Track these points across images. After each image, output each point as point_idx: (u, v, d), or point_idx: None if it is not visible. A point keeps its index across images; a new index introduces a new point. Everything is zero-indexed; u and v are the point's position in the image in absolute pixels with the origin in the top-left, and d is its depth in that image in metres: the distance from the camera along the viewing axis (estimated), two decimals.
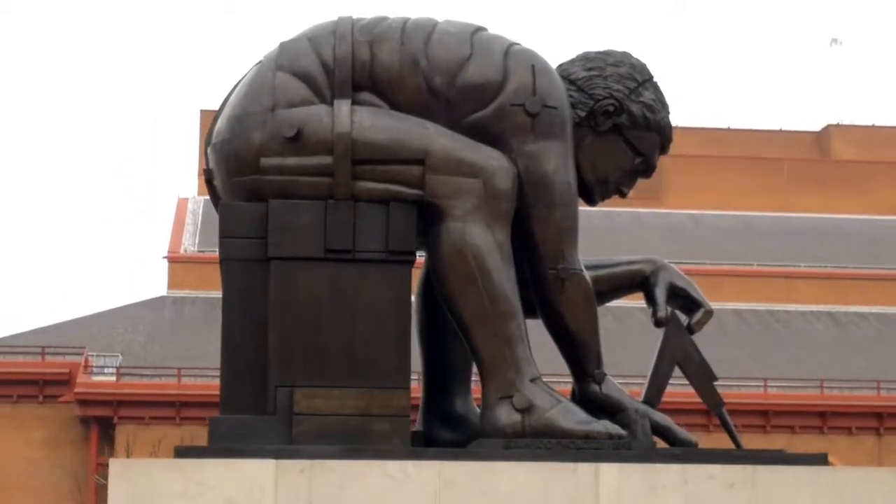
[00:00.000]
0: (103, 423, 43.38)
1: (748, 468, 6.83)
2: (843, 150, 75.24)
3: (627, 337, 41.88)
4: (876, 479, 6.87)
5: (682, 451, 7.12)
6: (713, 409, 7.80)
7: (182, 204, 56.12)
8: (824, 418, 45.74)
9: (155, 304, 50.03)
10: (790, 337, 50.90)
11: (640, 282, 7.89)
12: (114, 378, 43.76)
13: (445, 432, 7.74)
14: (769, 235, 59.36)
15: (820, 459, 7.05)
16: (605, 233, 57.93)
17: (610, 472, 6.74)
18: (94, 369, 44.53)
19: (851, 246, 59.52)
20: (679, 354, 7.76)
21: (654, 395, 7.73)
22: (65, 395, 43.77)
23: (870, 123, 79.51)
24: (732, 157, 72.39)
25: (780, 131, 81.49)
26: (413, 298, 7.85)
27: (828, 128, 77.81)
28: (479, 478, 6.66)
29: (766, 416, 45.32)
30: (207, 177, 7.62)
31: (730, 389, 44.81)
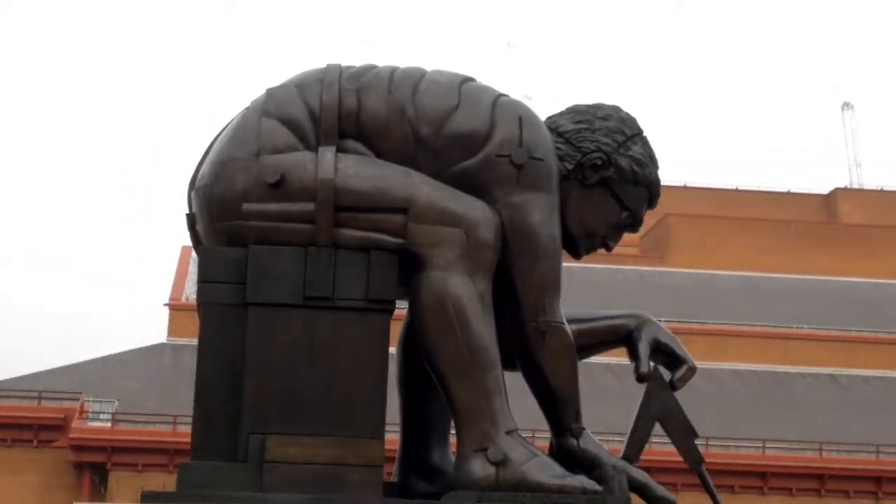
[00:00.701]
0: (97, 469, 43.25)
1: None
2: (851, 213, 75.36)
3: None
4: None
5: None
6: (693, 466, 7.72)
7: (185, 252, 56.18)
8: (822, 481, 45.54)
9: (154, 351, 49.99)
10: (790, 398, 50.73)
11: (623, 336, 7.83)
12: (109, 424, 43.60)
13: (422, 484, 7.66)
14: (773, 296, 59.34)
15: None
16: (608, 289, 57.92)
17: None
18: (90, 415, 44.44)
19: (857, 308, 59.49)
20: (660, 411, 7.68)
21: (633, 451, 7.66)
22: (59, 440, 43.62)
23: (879, 187, 79.62)
24: (740, 217, 72.52)
25: (789, 193, 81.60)
26: (393, 350, 7.79)
27: (836, 191, 78.03)
28: None
29: (764, 477, 45.13)
30: (190, 221, 7.58)
31: (727, 449, 44.71)
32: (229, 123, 7.55)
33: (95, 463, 43.28)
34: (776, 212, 76.06)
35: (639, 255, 71.55)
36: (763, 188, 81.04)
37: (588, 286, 57.79)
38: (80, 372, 47.55)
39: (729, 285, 60.15)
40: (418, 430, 7.81)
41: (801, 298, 59.43)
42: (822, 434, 46.81)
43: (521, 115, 7.44)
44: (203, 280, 7.17)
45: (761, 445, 45.69)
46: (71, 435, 43.20)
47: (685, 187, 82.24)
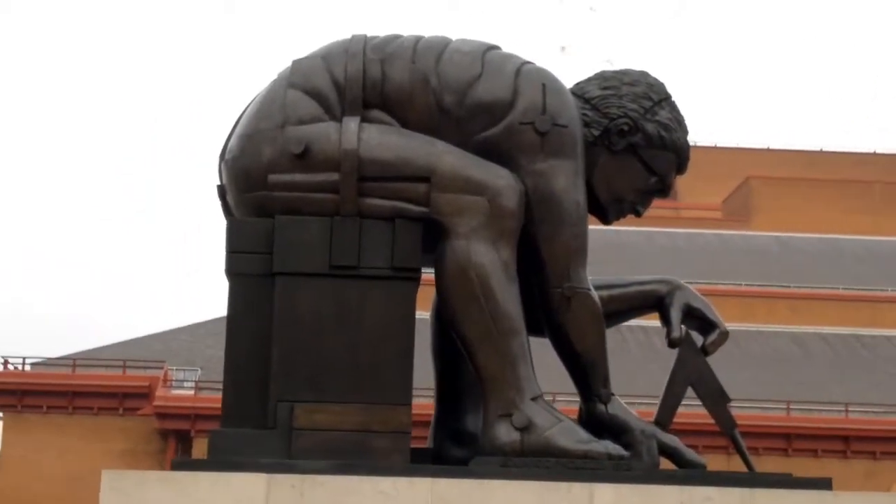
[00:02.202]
0: (181, 436, 43.81)
1: (746, 491, 6.76)
2: None
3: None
4: None
5: (680, 473, 7.06)
6: (726, 430, 7.72)
7: None
8: None
9: None
10: (874, 362, 50.22)
11: (654, 302, 7.83)
12: (192, 392, 44.17)
13: (455, 449, 7.72)
14: (857, 259, 58.67)
15: (823, 484, 6.95)
16: (689, 254, 57.59)
17: (605, 493, 6.70)
18: (174, 383, 45.00)
19: None
20: (693, 376, 7.68)
21: (666, 416, 7.66)
22: (144, 408, 44.25)
23: None
24: (823, 179, 71.78)
25: (874, 154, 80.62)
26: (428, 315, 7.87)
27: None
28: (471, 495, 6.65)
29: (847, 441, 44.73)
30: (220, 192, 7.68)
31: (811, 413, 44.39)
32: (257, 95, 7.64)
33: (180, 430, 43.85)
34: (861, 173, 75.18)
35: (721, 218, 71.08)
36: (848, 149, 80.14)
37: (668, 251, 57.55)
38: (164, 340, 48.15)
39: (812, 248, 59.53)
40: (452, 396, 7.87)
41: (886, 260, 58.71)
42: None
43: (545, 83, 7.45)
44: (231, 251, 7.27)
45: (845, 409, 45.31)
46: (155, 403, 43.78)
47: (768, 150, 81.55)
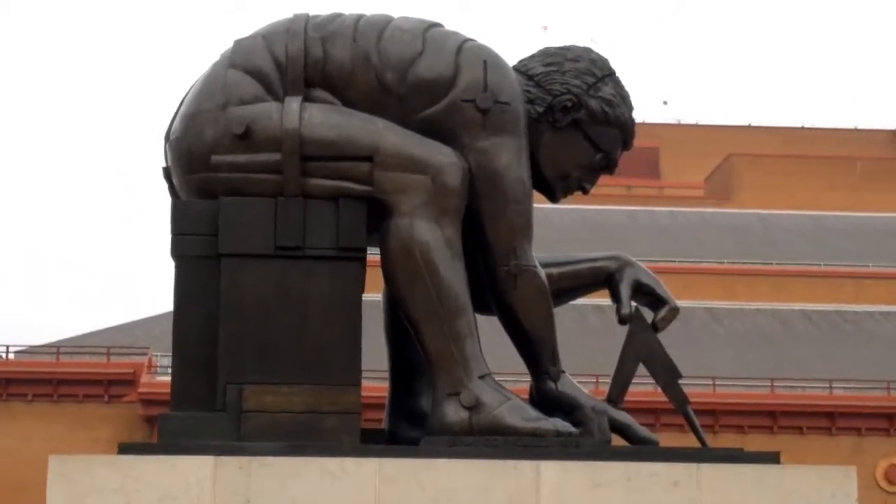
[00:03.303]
0: None
1: (692, 466, 6.75)
2: None
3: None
4: (822, 478, 6.76)
5: (627, 449, 7.05)
6: (679, 406, 7.70)
7: None
8: (892, 420, 45.19)
9: None
10: (858, 337, 50.34)
11: (604, 278, 7.81)
12: None
13: (409, 430, 7.70)
14: (839, 235, 58.80)
15: (770, 458, 6.95)
16: (672, 232, 57.66)
17: (551, 470, 6.68)
18: (159, 369, 45.00)
19: None
20: (643, 352, 7.66)
21: (617, 392, 7.64)
22: (129, 394, 44.26)
23: None
24: (805, 155, 71.93)
25: (855, 130, 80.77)
26: (380, 297, 7.85)
27: None
28: (419, 475, 6.64)
29: (832, 417, 44.85)
30: (165, 174, 7.65)
31: (794, 390, 44.49)
32: (200, 76, 7.60)
33: None
34: (843, 149, 75.33)
35: (703, 196, 71.14)
36: (830, 125, 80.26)
37: (651, 229, 57.59)
38: (148, 327, 48.11)
39: (794, 225, 59.63)
40: (406, 376, 7.86)
41: (868, 236, 58.83)
42: (890, 373, 46.46)
43: (486, 59, 7.43)
44: (176, 233, 7.24)
45: (829, 386, 45.43)
46: (140, 389, 43.81)
47: (749, 126, 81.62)
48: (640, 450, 7.08)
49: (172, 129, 7.49)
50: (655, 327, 7.69)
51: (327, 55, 7.34)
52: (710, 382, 44.68)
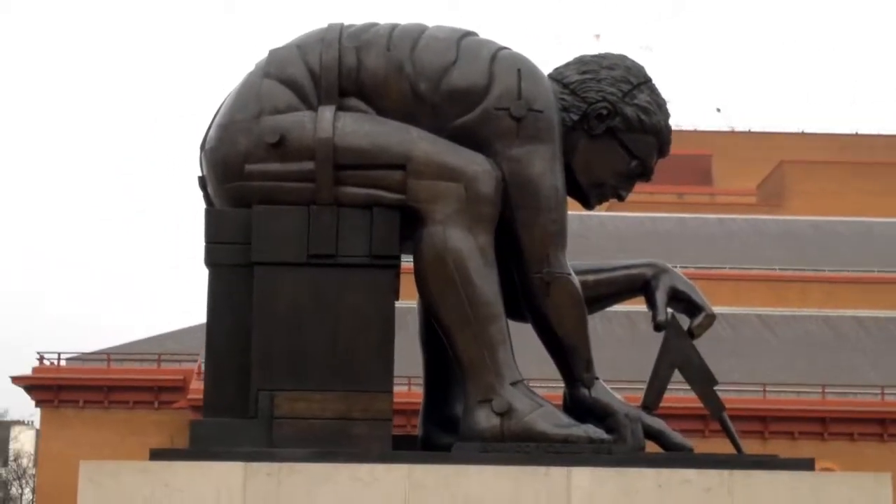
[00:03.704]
0: None
1: (725, 473, 6.74)
2: None
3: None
4: (856, 485, 6.74)
5: (660, 456, 7.04)
6: (713, 413, 7.67)
7: None
8: None
9: None
10: None
11: (641, 286, 7.80)
12: None
13: (443, 436, 7.71)
14: (891, 242, 58.30)
15: (804, 465, 6.92)
16: (723, 240, 57.39)
17: (582, 476, 6.69)
18: None
19: None
20: (679, 359, 7.64)
21: (652, 398, 7.63)
22: (179, 401, 44.48)
23: None
24: (858, 162, 71.49)
25: None
26: (414, 304, 7.87)
27: None
28: (448, 481, 6.65)
29: (883, 424, 44.51)
30: (201, 183, 7.71)
31: (845, 396, 44.19)
32: (235, 86, 7.65)
33: None
34: (895, 155, 74.78)
35: (755, 203, 70.82)
36: (882, 132, 79.73)
37: (702, 236, 57.37)
38: (197, 334, 48.28)
39: (846, 231, 59.20)
40: (440, 384, 7.87)
41: None
42: None
43: (521, 68, 7.44)
44: (210, 241, 7.30)
45: (880, 392, 45.10)
46: (190, 396, 44.00)
47: (802, 133, 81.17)
48: (672, 456, 7.07)
49: (207, 138, 7.54)
50: (691, 334, 7.68)
51: (361, 64, 7.37)
52: (761, 389, 44.46)
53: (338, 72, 7.36)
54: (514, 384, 7.16)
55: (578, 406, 7.45)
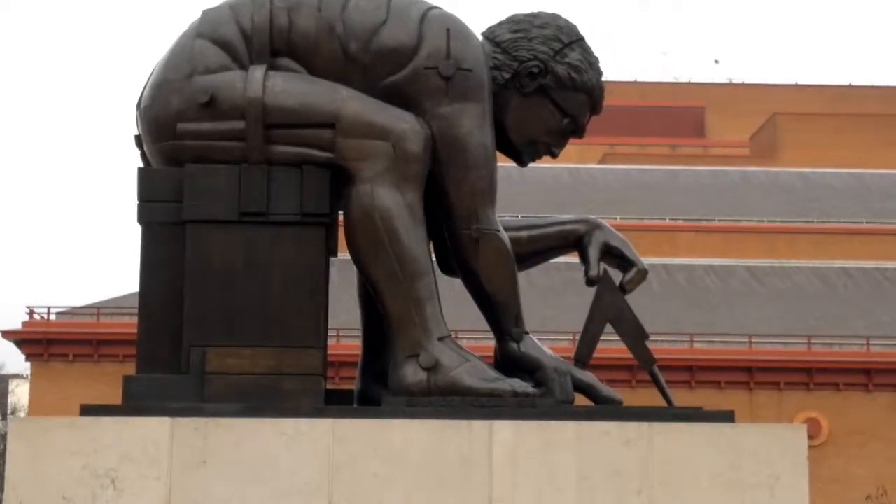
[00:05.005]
0: None
1: (644, 425, 6.85)
2: None
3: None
4: (774, 436, 6.85)
5: (582, 409, 7.15)
6: (645, 366, 7.78)
7: None
8: None
9: None
10: None
11: (574, 241, 7.90)
12: None
13: (380, 390, 7.82)
14: (882, 193, 58.38)
15: (725, 416, 7.04)
16: (713, 191, 57.42)
17: (504, 429, 6.80)
18: None
19: None
20: (611, 313, 7.75)
21: (584, 352, 7.74)
22: None
23: None
24: (850, 114, 71.45)
25: None
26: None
27: None
28: (372, 435, 6.77)
29: (869, 374, 44.72)
30: (137, 142, 7.80)
31: (831, 347, 44.37)
32: (169, 46, 7.73)
33: None
34: (890, 107, 74.71)
35: (748, 155, 70.84)
36: (876, 83, 79.64)
37: (694, 188, 57.41)
38: None
39: (837, 183, 59.24)
40: (377, 338, 7.97)
41: None
42: None
43: (450, 27, 7.52)
44: (142, 200, 7.39)
45: (865, 343, 45.30)
46: None
47: (796, 85, 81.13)
48: (594, 409, 7.18)
49: (142, 98, 7.63)
50: (623, 289, 7.78)
51: (293, 24, 7.45)
52: (747, 340, 44.66)
53: (269, 32, 7.44)
54: (441, 339, 7.27)
55: (508, 361, 7.56)
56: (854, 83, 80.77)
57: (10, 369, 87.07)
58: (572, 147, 69.16)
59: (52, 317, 46.72)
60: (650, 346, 7.80)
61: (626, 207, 53.97)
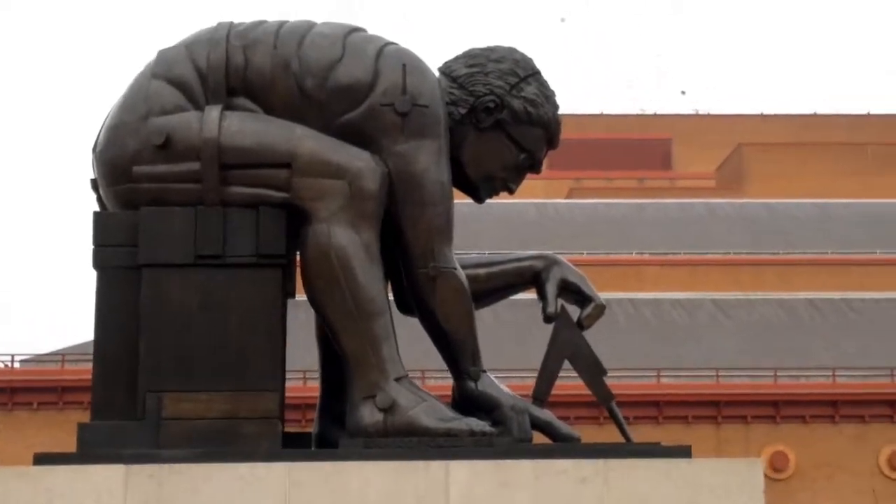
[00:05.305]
0: None
1: (600, 462, 6.81)
2: None
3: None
4: (731, 471, 6.82)
5: (539, 447, 7.11)
6: (603, 402, 7.75)
7: None
8: (895, 407, 45.13)
9: None
10: (863, 325, 50.24)
11: (531, 277, 7.88)
12: None
13: (338, 432, 7.77)
14: (846, 223, 58.64)
15: (681, 452, 7.02)
16: (679, 224, 57.60)
17: (461, 470, 6.75)
18: None
19: None
20: (568, 350, 7.72)
21: (543, 390, 7.71)
22: None
23: None
24: (815, 143, 71.81)
25: (868, 115, 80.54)
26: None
27: None
28: (328, 478, 6.72)
29: (835, 406, 44.80)
30: (93, 186, 7.75)
31: (797, 380, 44.46)
32: (125, 87, 7.69)
33: None
34: (854, 135, 75.14)
35: (714, 187, 71.07)
36: (841, 112, 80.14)
37: (660, 221, 57.56)
38: None
39: (802, 213, 59.46)
40: (335, 379, 7.93)
41: (875, 223, 58.65)
42: (894, 360, 46.37)
43: (406, 63, 7.50)
44: (98, 244, 7.33)
45: (831, 374, 45.39)
46: None
47: (761, 115, 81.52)
48: (550, 447, 7.14)
49: (98, 140, 7.59)
50: (581, 325, 7.76)
51: (248, 63, 7.43)
52: (714, 374, 44.68)
53: (225, 71, 7.41)
54: (398, 380, 7.22)
55: (466, 400, 7.52)
56: (819, 112, 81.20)
57: None
58: (539, 182, 69.24)
59: (16, 364, 46.39)
60: (611, 381, 7.78)
61: (593, 242, 54.07)
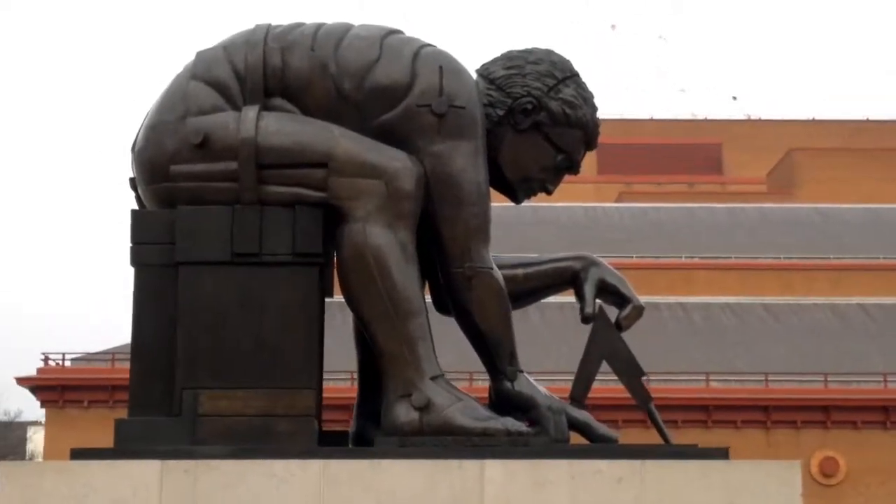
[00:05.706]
0: None
1: (636, 463, 6.80)
2: None
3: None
4: (766, 472, 6.79)
5: (575, 447, 7.10)
6: (641, 404, 7.73)
7: None
8: None
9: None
10: None
11: (570, 278, 7.88)
12: None
13: (375, 430, 7.79)
14: None
15: (719, 454, 6.99)
16: (729, 229, 57.34)
17: (496, 469, 6.76)
18: None
19: None
20: (606, 350, 7.71)
21: (580, 391, 7.70)
22: None
23: None
24: (868, 149, 71.39)
25: None
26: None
27: None
28: (363, 476, 6.73)
29: (887, 412, 44.46)
30: (132, 185, 7.80)
31: (848, 385, 44.15)
32: (164, 87, 7.75)
33: None
34: None
35: (765, 192, 70.75)
36: (894, 118, 79.56)
37: (710, 226, 57.34)
38: None
39: (853, 218, 59.04)
40: (372, 378, 7.94)
41: None
42: None
43: (442, 65, 7.52)
44: (135, 242, 7.39)
45: (883, 380, 45.05)
46: None
47: (813, 121, 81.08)
48: (587, 447, 7.13)
49: (136, 140, 7.65)
50: (619, 326, 7.74)
51: (286, 64, 7.46)
52: (763, 378, 44.46)
53: (262, 72, 7.46)
54: (433, 379, 7.23)
55: (502, 400, 7.52)
56: (871, 118, 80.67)
57: (27, 416, 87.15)
58: (588, 186, 69.13)
59: (68, 363, 46.74)
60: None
61: (642, 246, 53.91)
